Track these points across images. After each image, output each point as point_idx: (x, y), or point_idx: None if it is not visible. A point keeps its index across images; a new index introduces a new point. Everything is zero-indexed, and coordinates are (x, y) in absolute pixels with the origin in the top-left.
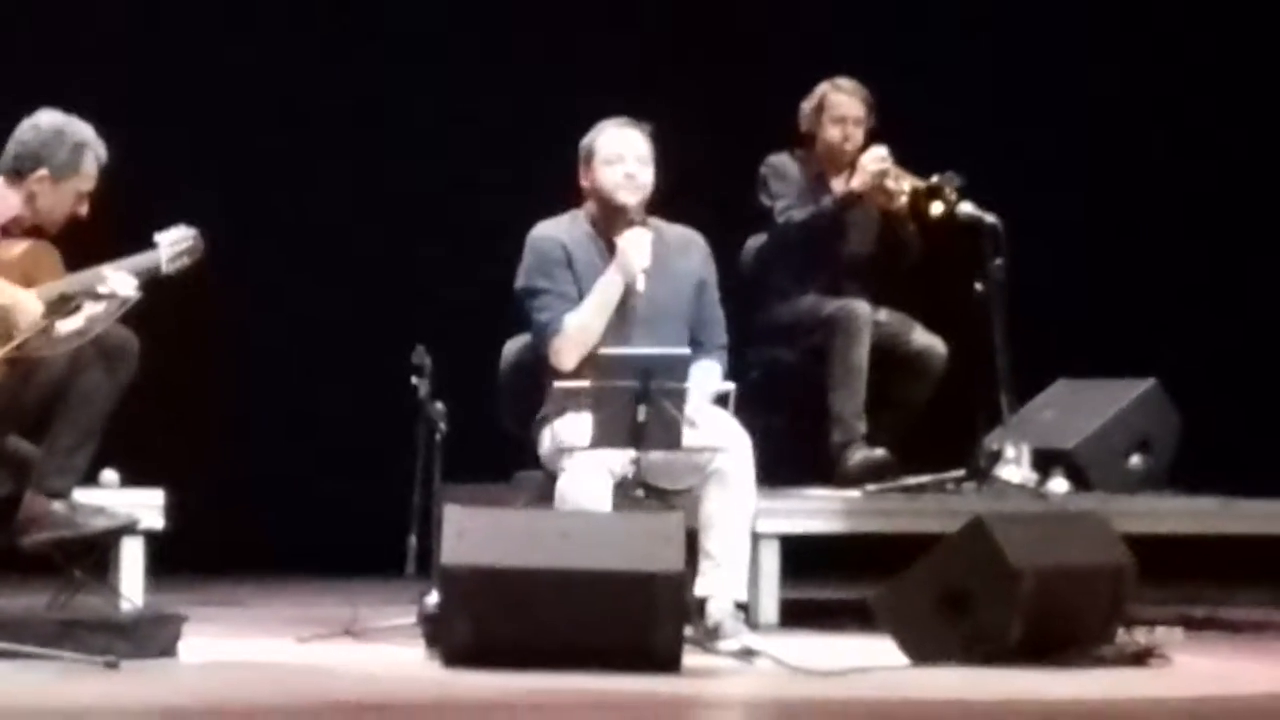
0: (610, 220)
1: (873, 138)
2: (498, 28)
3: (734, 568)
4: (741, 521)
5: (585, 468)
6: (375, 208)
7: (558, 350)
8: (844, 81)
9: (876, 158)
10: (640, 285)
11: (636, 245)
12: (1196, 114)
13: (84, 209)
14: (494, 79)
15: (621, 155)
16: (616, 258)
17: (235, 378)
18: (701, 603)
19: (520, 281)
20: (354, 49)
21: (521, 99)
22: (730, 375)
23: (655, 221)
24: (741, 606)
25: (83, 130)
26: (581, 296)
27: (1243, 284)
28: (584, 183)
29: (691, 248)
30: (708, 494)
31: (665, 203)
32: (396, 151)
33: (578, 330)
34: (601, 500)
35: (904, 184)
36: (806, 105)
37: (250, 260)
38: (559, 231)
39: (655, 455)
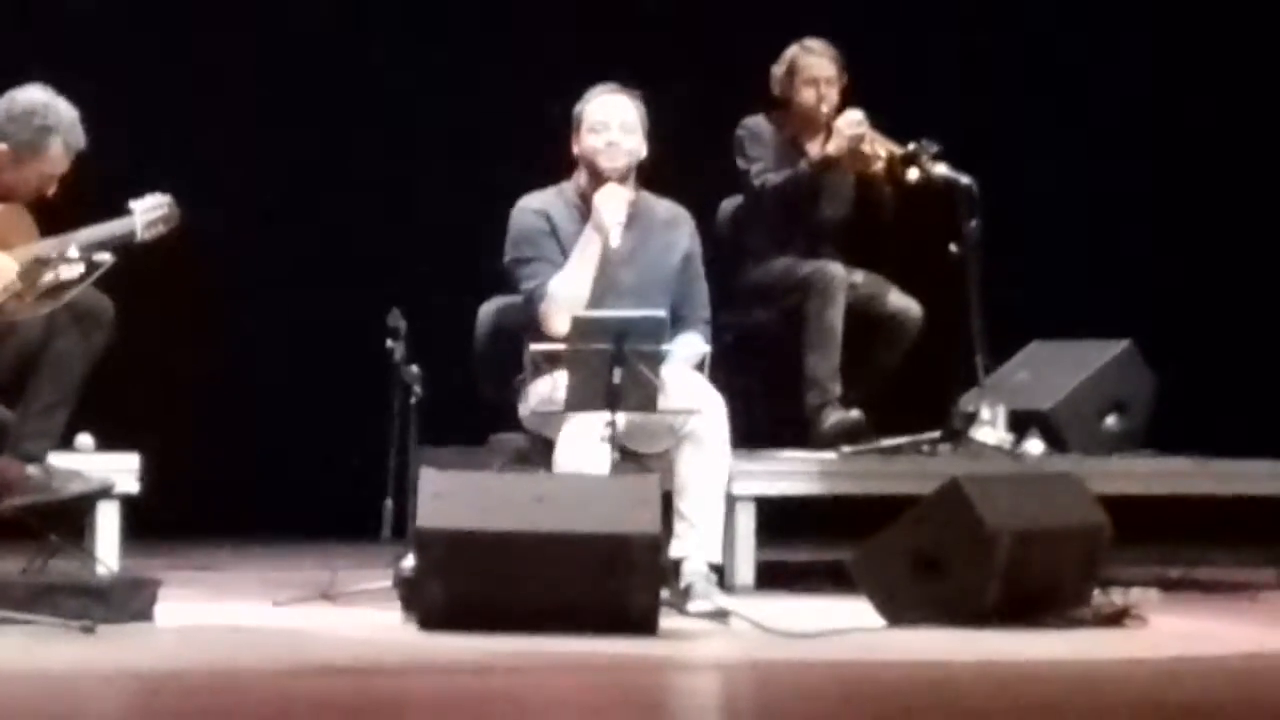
0: (595, 187)
1: (846, 96)
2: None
3: (709, 530)
4: (716, 484)
5: (582, 432)
6: (349, 171)
7: (546, 314)
8: (812, 42)
9: (853, 122)
10: (615, 240)
11: (610, 201)
12: (1170, 76)
13: (50, 190)
14: (471, 44)
15: (606, 123)
16: (592, 214)
17: (210, 342)
18: (676, 565)
19: (507, 254)
20: (331, 18)
21: (500, 65)
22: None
23: (645, 195)
24: (716, 569)
25: (59, 114)
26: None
27: (1217, 244)
28: (574, 149)
29: (679, 222)
30: (681, 457)
31: (649, 168)
32: (370, 116)
33: (563, 291)
34: (600, 463)
35: (880, 149)
36: (777, 70)
37: (225, 225)
38: (542, 203)
39: (631, 418)
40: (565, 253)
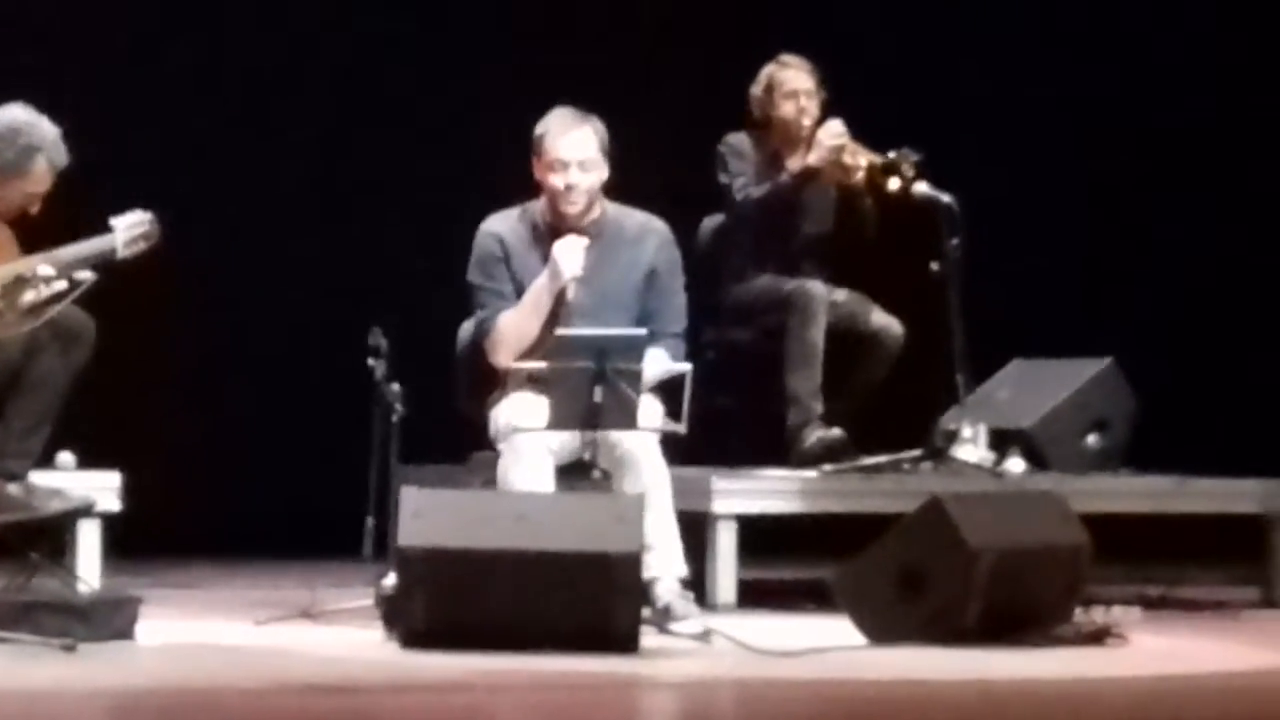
0: (556, 219)
1: (825, 111)
2: (458, 13)
3: (667, 545)
4: (661, 499)
5: (525, 448)
6: (331, 189)
7: (491, 348)
8: (789, 58)
9: (834, 133)
10: (571, 293)
11: (567, 254)
12: (1150, 92)
13: (34, 208)
14: (457, 60)
15: (565, 163)
16: (548, 265)
17: (192, 360)
18: (648, 587)
19: (468, 275)
20: (316, 30)
21: (487, 80)
22: (686, 356)
23: (614, 209)
24: (688, 586)
25: (42, 134)
26: (520, 293)
27: (1197, 263)
28: (536, 174)
29: (648, 236)
30: (623, 480)
31: (624, 186)
32: (352, 132)
33: (509, 330)
34: (543, 480)
35: (860, 159)
36: (756, 89)
37: (206, 242)
38: (503, 227)
39: (565, 438)
40: (518, 280)
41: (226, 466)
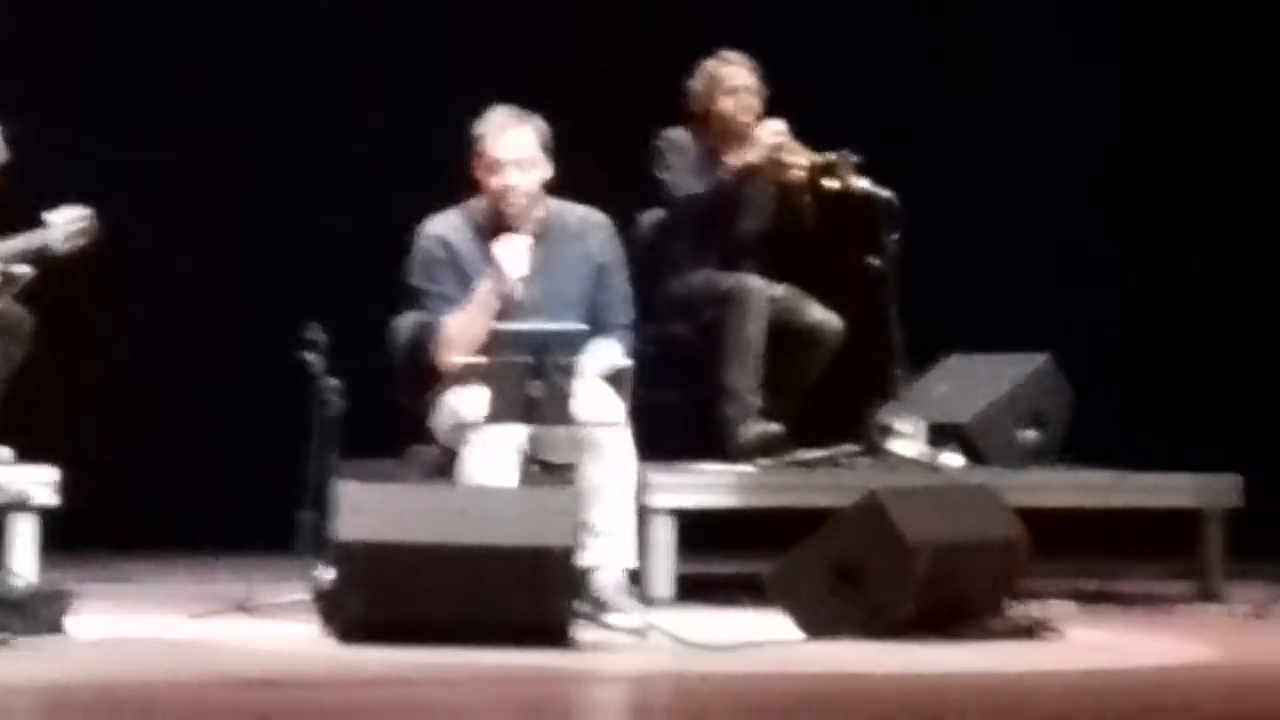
0: (498, 218)
1: (765, 108)
2: (395, 8)
3: (618, 537)
4: (622, 491)
5: (488, 442)
6: (268, 182)
7: (437, 352)
8: (730, 54)
9: (773, 131)
10: (518, 294)
11: (511, 254)
12: (1085, 87)
13: None
14: (400, 52)
15: (503, 163)
16: (492, 267)
17: (129, 354)
18: (590, 574)
19: (409, 277)
20: (249, 19)
21: (419, 71)
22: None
23: (556, 204)
24: (633, 575)
25: None
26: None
27: (1134, 259)
28: (475, 173)
29: (591, 230)
30: (585, 467)
31: (566, 180)
32: (289, 124)
33: (456, 334)
34: (506, 474)
35: (800, 158)
36: (696, 84)
37: (143, 237)
38: (446, 229)
39: (544, 430)
40: (466, 277)
41: (163, 460)
